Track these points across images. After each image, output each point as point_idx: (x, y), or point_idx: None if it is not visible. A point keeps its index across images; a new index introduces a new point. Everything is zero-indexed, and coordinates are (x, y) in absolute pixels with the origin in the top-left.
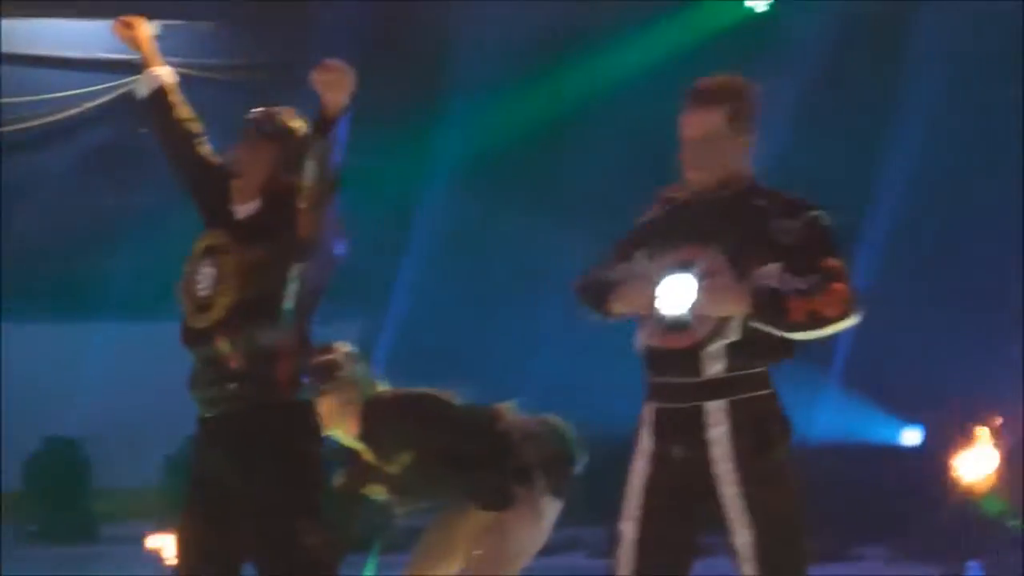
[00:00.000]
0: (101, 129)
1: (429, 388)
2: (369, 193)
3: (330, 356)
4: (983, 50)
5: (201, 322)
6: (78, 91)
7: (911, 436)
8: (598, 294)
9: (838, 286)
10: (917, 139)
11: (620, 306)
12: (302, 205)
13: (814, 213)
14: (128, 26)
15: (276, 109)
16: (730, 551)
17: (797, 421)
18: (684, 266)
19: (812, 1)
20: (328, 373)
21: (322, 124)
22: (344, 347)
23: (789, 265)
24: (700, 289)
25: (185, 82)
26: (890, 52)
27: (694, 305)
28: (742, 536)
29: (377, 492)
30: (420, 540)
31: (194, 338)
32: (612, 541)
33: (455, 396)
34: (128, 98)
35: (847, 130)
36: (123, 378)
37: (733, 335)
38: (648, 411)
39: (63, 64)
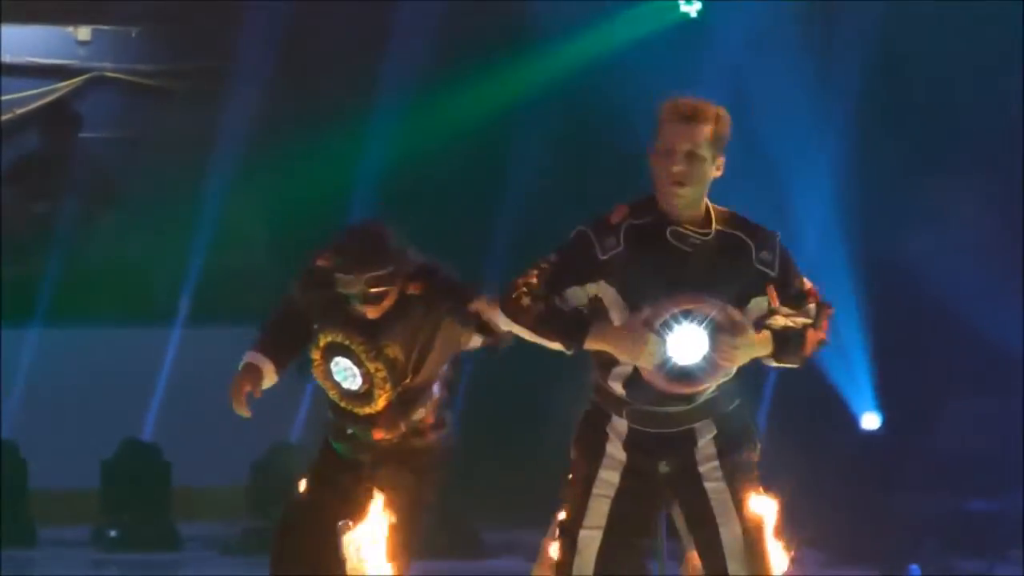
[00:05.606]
0: (30, 134)
1: None
2: (304, 195)
3: None
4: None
5: (363, 410)
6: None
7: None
8: (565, 328)
9: (829, 309)
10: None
11: (601, 347)
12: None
13: (777, 237)
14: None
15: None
16: (707, 549)
17: None
18: (687, 315)
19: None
20: None
21: None
22: None
23: (779, 296)
24: (722, 343)
25: (114, 88)
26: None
27: (711, 358)
28: (728, 531)
29: None
30: None
31: (355, 418)
32: (562, 547)
33: None
34: (58, 105)
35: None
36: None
37: (733, 371)
38: (618, 426)
39: None
